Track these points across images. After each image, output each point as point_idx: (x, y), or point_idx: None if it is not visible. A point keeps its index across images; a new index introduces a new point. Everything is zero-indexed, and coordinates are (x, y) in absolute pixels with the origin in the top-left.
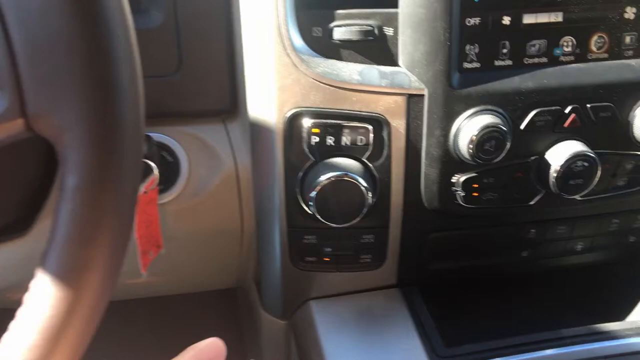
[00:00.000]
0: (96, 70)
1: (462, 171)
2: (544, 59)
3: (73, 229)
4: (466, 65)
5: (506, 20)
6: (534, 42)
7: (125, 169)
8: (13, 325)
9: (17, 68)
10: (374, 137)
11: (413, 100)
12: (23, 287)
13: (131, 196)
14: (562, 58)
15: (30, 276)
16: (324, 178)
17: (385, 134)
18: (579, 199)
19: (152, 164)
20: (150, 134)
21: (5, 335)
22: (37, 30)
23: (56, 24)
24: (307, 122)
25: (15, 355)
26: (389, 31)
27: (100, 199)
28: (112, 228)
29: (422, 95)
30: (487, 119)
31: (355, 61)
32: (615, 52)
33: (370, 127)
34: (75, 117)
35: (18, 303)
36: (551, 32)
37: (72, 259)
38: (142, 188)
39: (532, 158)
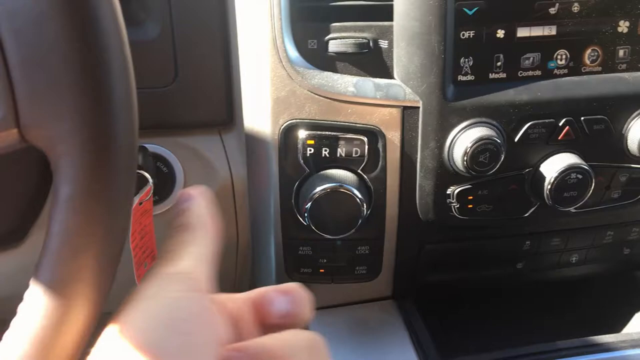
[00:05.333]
0: (90, 82)
1: (456, 183)
2: (538, 72)
3: (66, 240)
4: (461, 77)
5: (500, 33)
6: (528, 55)
7: (119, 180)
8: (6, 335)
9: (12, 79)
10: (369, 148)
11: (408, 112)
12: (18, 298)
13: (125, 207)
14: (556, 71)
15: (24, 287)
16: (319, 189)
17: (380, 145)
18: (573, 211)
19: (148, 175)
20: (145, 145)
21: None
22: (31, 42)
23: (51, 36)
24: (302, 134)
25: None
26: (383, 44)
27: (93, 210)
28: (105, 239)
29: (417, 108)
30: (482, 131)
31: (351, 73)
32: (608, 65)
33: (365, 139)
34: (69, 128)
35: (13, 313)
36: (545, 46)
37: (65, 269)
38: (137, 199)
39: (527, 170)
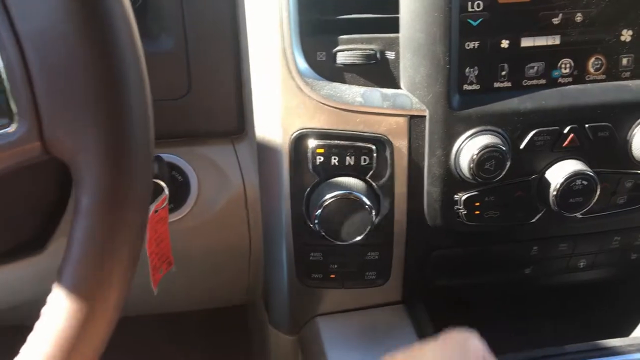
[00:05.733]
0: (109, 95)
1: (463, 190)
2: (543, 81)
3: (87, 246)
4: (466, 87)
5: (504, 43)
6: (533, 64)
7: (137, 188)
8: (30, 337)
9: (35, 95)
10: (377, 156)
11: (414, 121)
12: (40, 303)
13: (142, 214)
14: (561, 80)
15: (45, 292)
16: (328, 197)
17: (388, 153)
18: (580, 216)
19: (163, 183)
20: (161, 155)
21: (24, 347)
22: (53, 59)
23: (71, 53)
24: (312, 143)
25: None
26: (390, 55)
27: (113, 218)
28: (123, 245)
29: (424, 117)
30: (487, 139)
31: (358, 84)
32: (612, 73)
33: (373, 147)
34: (89, 140)
35: (34, 319)
36: (549, 55)
37: (86, 274)
38: (153, 207)
39: (532, 177)
